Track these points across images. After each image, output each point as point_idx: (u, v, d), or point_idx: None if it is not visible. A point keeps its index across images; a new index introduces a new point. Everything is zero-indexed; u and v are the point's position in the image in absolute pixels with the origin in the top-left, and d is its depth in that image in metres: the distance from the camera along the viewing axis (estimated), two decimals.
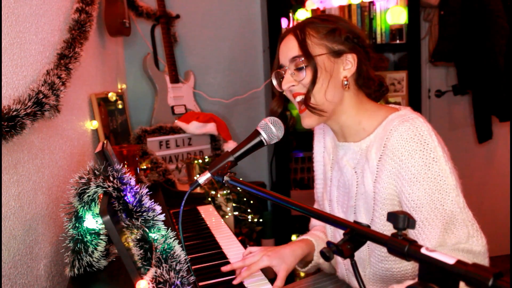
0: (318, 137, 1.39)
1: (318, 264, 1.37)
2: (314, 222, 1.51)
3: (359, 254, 1.21)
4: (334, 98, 1.15)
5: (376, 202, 1.12)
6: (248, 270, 1.20)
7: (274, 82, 1.21)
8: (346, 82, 1.15)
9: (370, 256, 1.19)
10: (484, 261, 1.04)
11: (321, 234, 1.40)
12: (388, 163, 1.08)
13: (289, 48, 1.16)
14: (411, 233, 1.08)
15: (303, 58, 1.12)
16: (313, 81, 1.12)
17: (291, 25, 2.87)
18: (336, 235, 1.32)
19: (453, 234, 1.03)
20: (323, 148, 1.36)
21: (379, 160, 1.11)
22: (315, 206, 1.49)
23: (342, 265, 1.32)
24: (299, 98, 1.17)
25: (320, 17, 1.19)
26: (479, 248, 1.03)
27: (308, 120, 1.18)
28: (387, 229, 1.11)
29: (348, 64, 1.15)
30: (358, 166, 1.19)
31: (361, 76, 1.18)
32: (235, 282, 1.20)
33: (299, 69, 1.14)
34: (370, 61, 1.19)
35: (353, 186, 1.20)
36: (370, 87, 1.20)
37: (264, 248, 1.28)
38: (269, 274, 1.24)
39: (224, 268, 1.24)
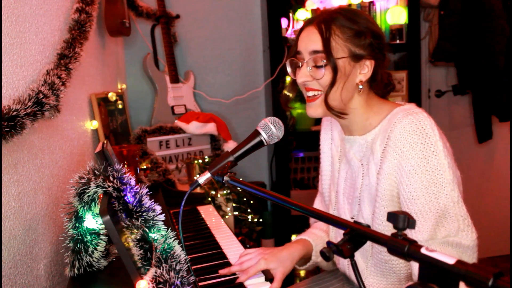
0: (326, 129, 1.40)
1: (316, 263, 1.38)
2: None
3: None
4: (346, 99, 1.17)
5: (378, 193, 1.14)
6: (246, 274, 1.20)
7: (289, 69, 1.22)
8: (361, 87, 1.16)
9: (373, 246, 1.21)
10: (473, 255, 1.06)
11: (320, 232, 1.41)
12: (390, 154, 1.10)
13: (311, 40, 1.15)
14: None
15: (324, 59, 1.12)
16: (332, 84, 1.13)
17: (291, 25, 2.87)
18: (340, 231, 1.33)
19: (444, 227, 1.05)
20: (330, 140, 1.37)
21: (382, 152, 1.13)
22: (318, 198, 1.50)
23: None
24: (311, 93, 1.18)
25: (346, 15, 1.16)
26: (468, 242, 1.05)
27: (313, 111, 1.19)
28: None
29: (365, 69, 1.16)
30: (364, 158, 1.21)
31: (374, 80, 1.19)
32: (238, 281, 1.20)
33: (318, 66, 1.14)
34: (385, 66, 1.20)
35: (358, 178, 1.22)
36: (380, 87, 1.22)
37: (261, 250, 1.28)
38: (269, 274, 1.24)
39: (222, 271, 1.24)
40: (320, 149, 1.41)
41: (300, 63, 1.18)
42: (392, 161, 1.10)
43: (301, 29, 1.20)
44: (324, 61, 1.13)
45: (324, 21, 1.15)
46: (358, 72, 1.16)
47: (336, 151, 1.34)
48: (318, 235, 1.40)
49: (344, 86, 1.15)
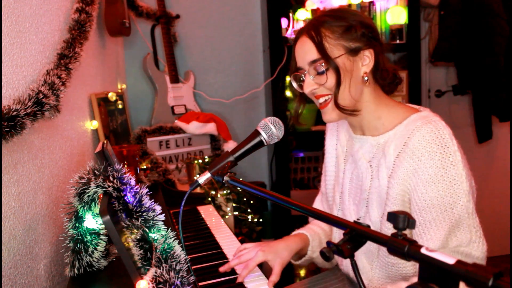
0: (331, 130, 1.40)
1: (312, 258, 1.38)
2: None
3: (369, 247, 1.22)
4: (356, 95, 1.17)
5: (389, 197, 1.14)
6: (246, 269, 1.21)
7: (294, 84, 1.22)
8: (366, 78, 1.15)
9: (379, 249, 1.20)
10: None
11: (317, 228, 1.42)
12: (406, 160, 1.10)
13: (306, 51, 1.16)
14: (416, 232, 1.10)
15: (323, 63, 1.13)
16: (338, 84, 1.13)
17: (291, 25, 2.87)
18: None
19: (456, 237, 1.06)
20: (336, 141, 1.37)
21: (396, 157, 1.13)
22: (318, 198, 1.51)
23: (347, 259, 1.33)
24: (322, 100, 1.18)
25: (332, 15, 1.17)
26: (478, 254, 1.06)
27: (329, 116, 1.19)
28: None
29: (366, 60, 1.16)
30: (374, 160, 1.20)
31: (378, 69, 1.18)
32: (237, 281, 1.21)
33: (320, 72, 1.14)
34: (384, 52, 1.19)
35: (367, 179, 1.22)
36: (385, 78, 1.21)
37: (258, 244, 1.29)
38: (268, 273, 1.24)
39: (222, 269, 1.24)
40: (324, 149, 1.41)
41: (303, 76, 1.19)
42: (407, 167, 1.09)
43: (295, 42, 1.21)
44: (323, 64, 1.13)
45: (312, 27, 1.15)
46: (360, 64, 1.16)
47: (341, 151, 1.34)
48: (316, 231, 1.40)
49: (351, 83, 1.14)
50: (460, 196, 1.05)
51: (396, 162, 1.12)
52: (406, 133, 1.11)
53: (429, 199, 1.06)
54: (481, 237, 1.07)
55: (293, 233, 1.40)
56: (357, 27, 1.14)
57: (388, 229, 1.14)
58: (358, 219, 1.25)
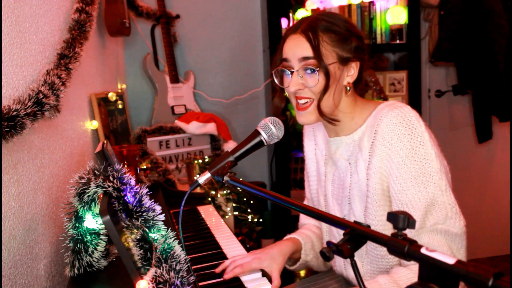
0: (308, 135, 1.42)
1: (306, 261, 1.39)
2: (303, 220, 1.55)
3: None
4: (336, 103, 1.19)
5: (369, 188, 1.16)
6: (241, 268, 1.21)
7: (276, 79, 1.21)
8: (349, 88, 1.18)
9: (367, 244, 1.20)
10: (462, 243, 1.08)
11: (308, 232, 1.43)
12: (378, 148, 1.12)
13: (300, 47, 1.14)
14: None
15: (316, 66, 1.13)
16: (325, 90, 1.14)
17: (291, 25, 2.86)
18: (332, 229, 1.34)
19: (432, 216, 1.07)
20: (314, 146, 1.39)
21: (370, 147, 1.15)
22: (305, 203, 1.51)
23: (340, 258, 1.33)
24: (302, 101, 1.18)
25: (330, 21, 1.16)
26: (456, 230, 1.07)
27: (307, 118, 1.19)
28: (380, 214, 1.15)
29: (351, 71, 1.18)
30: (351, 157, 1.22)
31: (360, 81, 1.22)
32: (226, 276, 1.21)
33: (309, 74, 1.14)
34: (368, 66, 1.24)
35: (347, 177, 1.24)
36: (363, 89, 1.26)
37: (252, 252, 1.30)
38: (268, 275, 1.24)
39: (218, 269, 1.25)
40: (304, 156, 1.43)
41: (288, 71, 1.17)
42: (381, 155, 1.12)
43: (284, 38, 1.19)
44: (318, 69, 1.12)
45: (310, 28, 1.14)
46: (346, 75, 1.18)
47: (321, 155, 1.36)
48: (307, 234, 1.42)
49: (335, 91, 1.17)
50: (432, 174, 1.08)
51: (371, 152, 1.15)
52: (375, 122, 1.15)
53: (403, 181, 1.09)
54: (458, 213, 1.08)
55: (285, 238, 1.41)
56: (353, 38, 1.16)
57: (372, 221, 1.16)
58: (343, 217, 1.25)
